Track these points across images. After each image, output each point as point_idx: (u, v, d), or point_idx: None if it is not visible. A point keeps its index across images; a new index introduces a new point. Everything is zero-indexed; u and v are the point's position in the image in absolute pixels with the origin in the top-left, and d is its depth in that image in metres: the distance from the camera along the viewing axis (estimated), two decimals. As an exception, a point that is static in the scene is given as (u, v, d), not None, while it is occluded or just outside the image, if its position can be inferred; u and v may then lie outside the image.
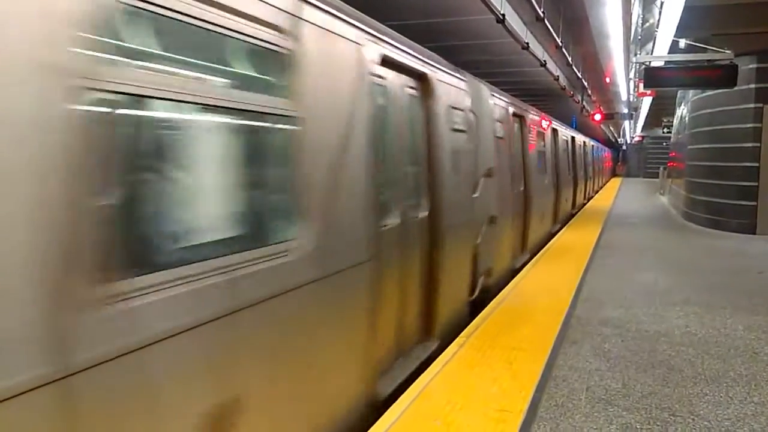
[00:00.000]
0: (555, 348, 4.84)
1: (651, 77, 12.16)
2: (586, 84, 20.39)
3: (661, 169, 25.62)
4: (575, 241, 10.67)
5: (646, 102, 25.42)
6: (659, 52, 13.42)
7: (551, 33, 11.40)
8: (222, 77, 2.59)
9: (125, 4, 2.02)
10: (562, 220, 13.67)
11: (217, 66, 2.60)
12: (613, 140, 53.39)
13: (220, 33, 2.44)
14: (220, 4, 2.41)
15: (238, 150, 2.76)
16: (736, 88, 11.21)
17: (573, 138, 16.61)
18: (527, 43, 11.25)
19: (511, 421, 3.51)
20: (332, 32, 3.29)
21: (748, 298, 6.62)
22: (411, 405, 3.67)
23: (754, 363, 4.62)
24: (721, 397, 3.98)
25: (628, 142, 52.91)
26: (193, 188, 2.49)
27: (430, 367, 4.31)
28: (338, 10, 3.40)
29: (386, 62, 4.11)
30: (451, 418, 3.52)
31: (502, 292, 6.64)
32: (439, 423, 3.46)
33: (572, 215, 15.61)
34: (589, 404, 3.81)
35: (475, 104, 6.29)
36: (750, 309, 6.17)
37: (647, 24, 17.06)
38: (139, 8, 2.07)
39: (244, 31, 2.56)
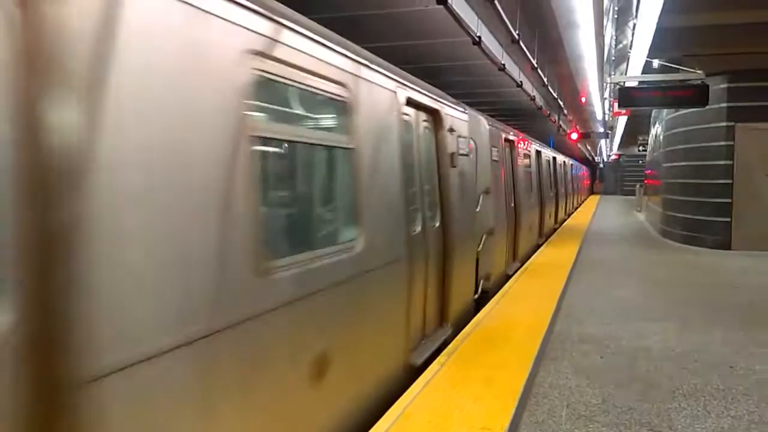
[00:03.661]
0: (535, 365, 4.87)
1: (625, 97, 12.42)
2: (562, 104, 20.72)
3: (638, 186, 26.01)
4: (554, 259, 10.76)
5: (622, 121, 25.87)
6: (633, 73, 13.72)
7: (527, 55, 11.60)
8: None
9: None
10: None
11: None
12: (591, 159, 54.10)
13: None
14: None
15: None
16: (708, 107, 11.47)
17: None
18: (503, 65, 11.45)
19: (493, 439, 3.53)
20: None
21: (724, 314, 6.72)
22: (393, 425, 3.67)
23: (730, 377, 4.69)
24: (698, 411, 4.03)
25: (605, 160, 53.65)
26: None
27: (411, 387, 4.31)
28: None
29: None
30: (433, 438, 3.52)
31: (483, 310, 6.67)
32: (421, 442, 3.46)
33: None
34: (569, 421, 3.84)
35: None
36: (726, 324, 6.26)
37: (620, 45, 17.44)
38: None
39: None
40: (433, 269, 5.51)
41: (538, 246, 12.83)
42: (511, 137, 10.09)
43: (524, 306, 6.94)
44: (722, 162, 12.19)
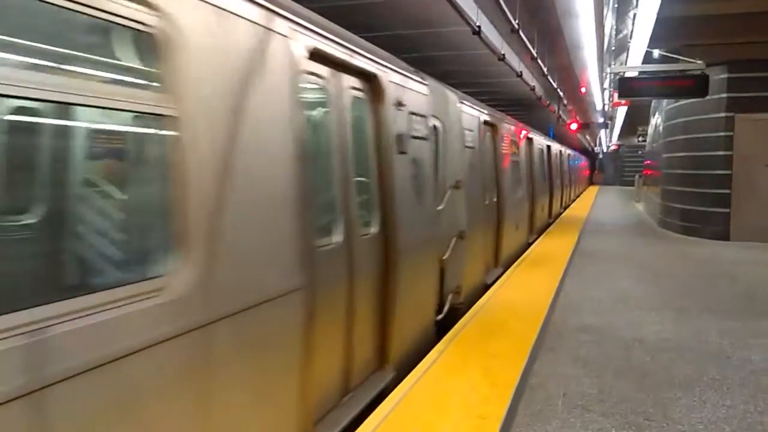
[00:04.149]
0: (533, 355, 4.89)
1: (625, 87, 12.38)
2: (561, 94, 20.67)
3: (637, 177, 26.00)
4: (553, 249, 10.78)
5: (622, 111, 25.84)
6: (633, 63, 13.69)
7: (526, 44, 11.57)
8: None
9: None
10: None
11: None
12: (590, 149, 54.03)
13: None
14: None
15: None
16: (708, 97, 11.45)
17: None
18: (503, 54, 11.41)
19: (490, 427, 3.55)
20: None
21: (721, 304, 6.74)
22: (391, 413, 3.69)
23: (726, 367, 4.71)
24: (694, 401, 4.05)
25: (605, 150, 53.59)
26: None
27: (409, 375, 4.33)
28: None
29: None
30: (429, 425, 3.54)
31: (480, 300, 6.68)
32: (418, 431, 3.49)
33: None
34: (565, 410, 3.86)
35: None
36: (723, 315, 6.28)
37: (621, 35, 17.38)
38: None
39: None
40: (366, 294, 4.16)
41: (529, 245, 11.56)
42: (492, 120, 8.67)
43: (522, 295, 6.95)
44: (721, 153, 12.18)
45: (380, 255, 4.36)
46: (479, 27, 9.09)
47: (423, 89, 5.38)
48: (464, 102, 7.06)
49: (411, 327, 4.86)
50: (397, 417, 3.65)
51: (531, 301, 6.71)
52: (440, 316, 5.70)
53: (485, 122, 8.21)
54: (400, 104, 4.66)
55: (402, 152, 4.63)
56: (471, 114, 7.34)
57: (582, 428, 3.60)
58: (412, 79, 5.07)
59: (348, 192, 3.93)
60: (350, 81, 4.04)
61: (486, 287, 7.56)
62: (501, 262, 8.92)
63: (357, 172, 4.09)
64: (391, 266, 4.41)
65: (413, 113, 4.98)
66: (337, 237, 3.76)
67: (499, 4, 8.74)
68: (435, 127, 5.90)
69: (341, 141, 3.88)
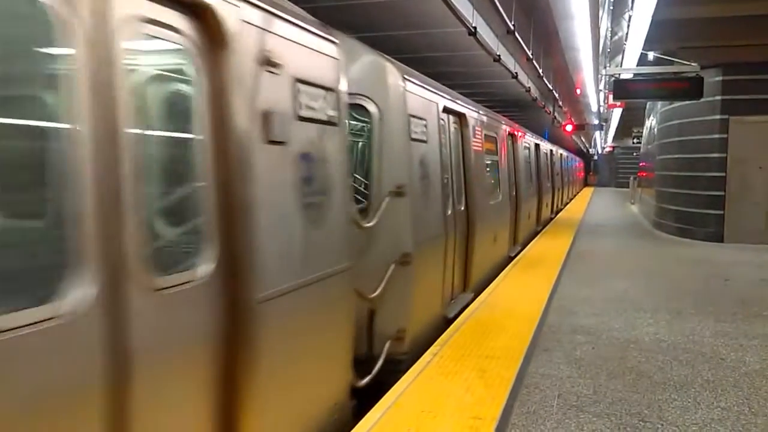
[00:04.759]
0: (527, 356, 4.88)
1: (620, 89, 12.41)
2: (557, 95, 20.71)
3: (632, 178, 26.07)
4: (548, 250, 10.79)
5: (617, 113, 25.87)
6: (628, 65, 13.70)
7: (522, 45, 11.59)
8: None
9: None
10: None
11: None
12: (585, 150, 54.16)
13: None
14: None
15: None
16: (702, 99, 11.48)
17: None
18: (499, 55, 11.42)
19: (484, 428, 3.53)
20: None
21: (715, 306, 6.75)
22: (384, 414, 3.68)
23: (720, 369, 4.71)
24: (689, 402, 4.05)
25: (600, 152, 53.72)
26: None
27: (403, 377, 4.32)
28: None
29: None
30: (424, 427, 3.53)
31: (475, 301, 6.67)
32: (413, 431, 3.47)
33: None
34: (560, 411, 3.86)
35: None
36: (717, 316, 6.29)
37: (616, 37, 17.39)
38: None
39: None
40: (177, 392, 2.33)
41: (511, 259, 9.81)
42: (457, 108, 6.87)
43: (517, 297, 6.95)
44: (716, 155, 12.22)
45: (219, 315, 2.54)
46: (475, 28, 9.10)
47: (328, 49, 3.50)
48: (410, 80, 5.21)
49: (292, 421, 3.11)
50: (390, 419, 3.63)
51: (526, 301, 6.70)
52: (366, 380, 4.08)
53: (447, 110, 6.46)
54: (270, 63, 2.87)
55: (274, 141, 2.89)
56: (422, 97, 5.54)
57: (577, 429, 3.60)
58: (301, 27, 3.20)
59: (117, 210, 2.02)
60: (146, 8, 2.22)
61: (448, 322, 5.92)
62: (472, 286, 7.20)
63: (158, 171, 2.51)
64: (242, 330, 2.60)
65: (303, 81, 3.17)
66: (72, 299, 1.83)
67: (495, 4, 8.74)
68: (366, 110, 4.68)
69: (105, 114, 1.98)
